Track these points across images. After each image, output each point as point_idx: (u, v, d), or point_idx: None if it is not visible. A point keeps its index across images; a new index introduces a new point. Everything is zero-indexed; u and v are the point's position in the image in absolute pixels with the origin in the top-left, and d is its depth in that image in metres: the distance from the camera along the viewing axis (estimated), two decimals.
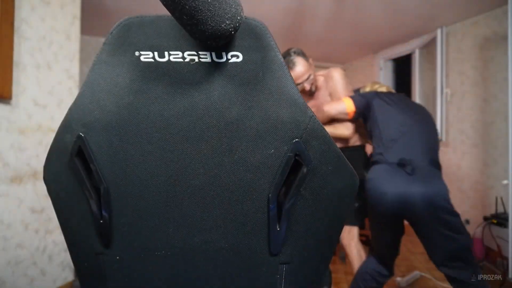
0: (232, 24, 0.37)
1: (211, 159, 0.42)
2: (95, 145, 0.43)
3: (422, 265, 2.53)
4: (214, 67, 0.42)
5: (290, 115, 0.42)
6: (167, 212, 0.44)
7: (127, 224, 0.44)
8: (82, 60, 3.24)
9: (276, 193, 0.42)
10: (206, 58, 0.42)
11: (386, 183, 1.33)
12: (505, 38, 2.63)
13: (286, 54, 1.64)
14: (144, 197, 0.43)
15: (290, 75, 0.42)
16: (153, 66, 0.42)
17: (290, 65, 1.62)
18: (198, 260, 0.45)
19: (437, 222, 1.24)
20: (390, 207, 1.32)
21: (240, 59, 0.41)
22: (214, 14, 0.35)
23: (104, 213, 0.44)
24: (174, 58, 0.42)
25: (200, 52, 0.42)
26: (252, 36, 0.42)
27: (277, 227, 0.43)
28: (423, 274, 2.32)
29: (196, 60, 0.42)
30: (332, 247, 0.50)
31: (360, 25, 3.29)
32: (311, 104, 1.73)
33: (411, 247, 3.02)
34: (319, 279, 0.50)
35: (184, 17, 0.35)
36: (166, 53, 0.42)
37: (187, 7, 0.33)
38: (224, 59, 0.42)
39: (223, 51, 0.41)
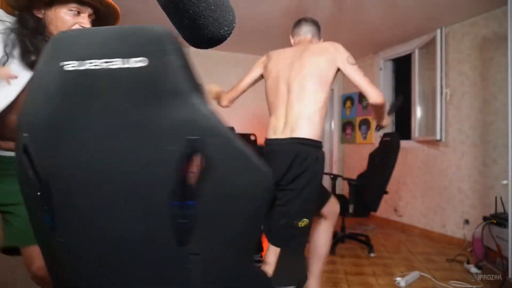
0: (229, 30, 0.40)
1: (123, 156, 0.47)
2: (36, 144, 0.50)
3: (422, 265, 2.54)
4: (123, 72, 0.45)
5: (188, 114, 0.44)
6: (92, 205, 0.50)
7: (64, 215, 0.51)
8: None
9: (179, 191, 0.45)
10: (116, 64, 0.44)
11: None
12: (504, 38, 2.63)
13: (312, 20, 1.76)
14: (76, 192, 0.50)
15: (192, 76, 0.45)
16: (75, 74, 0.46)
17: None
18: (118, 252, 0.51)
19: None
20: None
21: (146, 63, 0.44)
22: (216, 20, 0.37)
23: (46, 203, 0.50)
24: (91, 65, 0.45)
25: (110, 60, 0.45)
26: (157, 41, 0.44)
27: (182, 219, 0.46)
28: (423, 274, 2.32)
29: (107, 66, 0.45)
30: (250, 244, 0.53)
31: (360, 25, 3.29)
32: None
33: (411, 247, 3.03)
34: (240, 274, 0.53)
35: (185, 21, 0.37)
36: (85, 61, 0.46)
37: (190, 11, 0.35)
38: (131, 65, 0.44)
39: (131, 57, 0.44)
